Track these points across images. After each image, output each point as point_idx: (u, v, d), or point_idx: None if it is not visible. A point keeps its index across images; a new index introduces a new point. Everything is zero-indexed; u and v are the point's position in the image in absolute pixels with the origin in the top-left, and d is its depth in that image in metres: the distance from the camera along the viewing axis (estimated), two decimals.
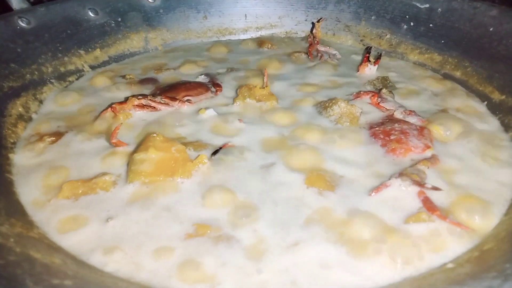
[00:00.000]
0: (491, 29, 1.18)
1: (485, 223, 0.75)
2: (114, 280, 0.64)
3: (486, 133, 1.00)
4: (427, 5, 1.36)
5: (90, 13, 1.36)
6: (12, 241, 0.62)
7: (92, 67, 1.34)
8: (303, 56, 1.44)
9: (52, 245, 0.71)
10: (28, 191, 0.85)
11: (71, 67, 1.28)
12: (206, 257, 0.69)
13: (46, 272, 0.56)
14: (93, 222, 0.77)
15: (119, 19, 1.43)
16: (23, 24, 1.17)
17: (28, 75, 1.14)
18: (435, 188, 0.80)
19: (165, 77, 1.30)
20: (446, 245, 0.71)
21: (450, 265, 0.65)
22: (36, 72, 1.17)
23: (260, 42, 1.55)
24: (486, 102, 1.12)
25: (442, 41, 1.32)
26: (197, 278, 0.66)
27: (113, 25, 1.41)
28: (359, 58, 1.43)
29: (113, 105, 1.06)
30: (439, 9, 1.33)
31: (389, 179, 0.84)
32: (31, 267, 0.55)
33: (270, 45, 1.52)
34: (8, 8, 1.20)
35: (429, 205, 0.77)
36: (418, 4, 1.38)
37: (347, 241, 0.72)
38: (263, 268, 0.67)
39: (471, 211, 0.77)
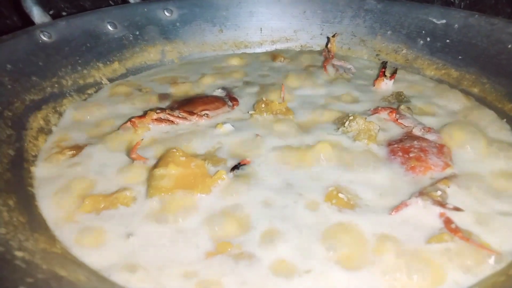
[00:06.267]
0: (509, 46, 1.18)
1: (510, 246, 0.74)
2: None
3: (507, 151, 0.99)
4: (444, 21, 1.36)
5: (109, 27, 1.38)
6: (38, 258, 0.62)
7: (110, 80, 1.36)
8: (319, 70, 1.44)
9: (75, 260, 0.71)
10: (49, 205, 0.86)
11: (90, 80, 1.30)
12: (227, 276, 0.69)
13: None
14: (114, 238, 0.77)
15: (137, 33, 1.45)
16: (44, 38, 1.19)
17: (48, 88, 1.15)
18: (457, 209, 0.79)
19: (182, 90, 1.31)
20: (469, 268, 0.70)
21: None
22: (56, 85, 1.18)
23: (275, 55, 1.56)
24: (505, 120, 1.11)
25: (460, 57, 1.31)
26: None
27: (131, 38, 1.43)
28: (374, 72, 1.43)
29: (132, 119, 1.07)
30: (456, 25, 1.33)
31: (409, 198, 0.84)
32: (58, 285, 0.55)
33: (283, 59, 1.53)
34: (30, 22, 1.22)
35: (450, 227, 0.77)
36: (434, 20, 1.38)
37: (369, 262, 0.71)
38: None
39: (494, 233, 0.76)
